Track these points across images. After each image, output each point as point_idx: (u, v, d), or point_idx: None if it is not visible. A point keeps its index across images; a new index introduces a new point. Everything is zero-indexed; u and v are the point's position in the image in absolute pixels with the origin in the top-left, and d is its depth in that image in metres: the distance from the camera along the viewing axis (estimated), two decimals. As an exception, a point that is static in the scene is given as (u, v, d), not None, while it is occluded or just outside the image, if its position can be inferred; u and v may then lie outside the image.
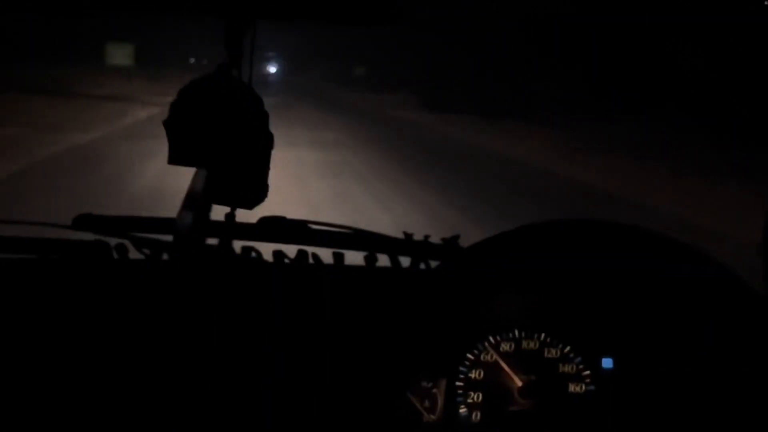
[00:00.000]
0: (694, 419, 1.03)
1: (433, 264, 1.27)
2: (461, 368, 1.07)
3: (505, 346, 1.08)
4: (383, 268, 1.24)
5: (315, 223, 1.27)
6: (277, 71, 45.68)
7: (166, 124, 1.13)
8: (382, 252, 1.28)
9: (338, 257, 1.27)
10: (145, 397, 1.06)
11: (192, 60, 35.96)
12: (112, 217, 1.26)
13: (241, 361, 1.08)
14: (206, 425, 1.06)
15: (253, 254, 1.26)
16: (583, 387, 1.06)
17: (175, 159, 1.14)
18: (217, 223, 1.23)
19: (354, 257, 1.28)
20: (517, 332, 1.08)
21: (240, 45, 1.13)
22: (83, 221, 1.24)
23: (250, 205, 1.18)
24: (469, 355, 1.07)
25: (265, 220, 1.27)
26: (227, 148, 1.14)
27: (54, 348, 1.08)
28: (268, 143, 1.15)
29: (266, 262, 1.25)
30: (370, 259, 1.28)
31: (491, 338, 1.08)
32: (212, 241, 1.25)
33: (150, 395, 1.06)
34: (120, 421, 1.05)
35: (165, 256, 1.23)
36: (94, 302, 1.11)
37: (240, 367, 1.08)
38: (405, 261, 1.29)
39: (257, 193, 1.17)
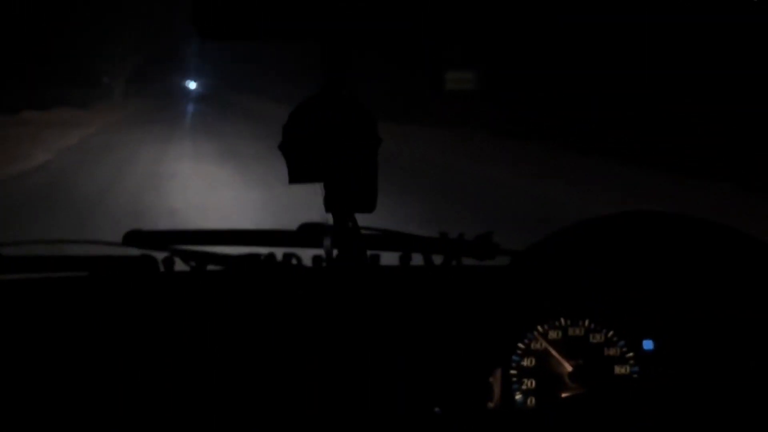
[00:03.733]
0: (736, 396, 1.11)
1: (466, 261, 1.33)
2: (514, 357, 1.13)
3: (552, 334, 1.15)
4: (439, 266, 1.29)
5: (354, 228, 1.32)
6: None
7: (282, 147, 1.17)
8: (417, 251, 1.33)
9: (374, 258, 1.32)
10: (194, 406, 1.09)
11: (106, 80, 33.41)
12: (159, 232, 1.28)
13: (291, 365, 1.12)
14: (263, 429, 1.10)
15: (294, 261, 1.29)
16: (628, 368, 1.14)
17: (295, 178, 1.18)
18: (289, 232, 1.27)
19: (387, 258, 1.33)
20: (563, 320, 1.15)
21: (344, 65, 1.17)
22: (132, 237, 1.26)
23: (369, 209, 1.22)
24: (520, 345, 1.14)
25: (305, 227, 1.31)
26: (344, 160, 1.18)
27: (105, 361, 1.10)
28: (376, 150, 1.20)
29: (308, 267, 1.29)
30: (405, 259, 1.33)
31: (539, 327, 1.14)
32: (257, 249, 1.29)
33: (200, 403, 1.09)
34: (171, 427, 1.07)
35: (210, 267, 1.25)
36: (142, 314, 1.14)
37: (291, 370, 1.12)
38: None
39: (372, 196, 1.21)
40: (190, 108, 30.06)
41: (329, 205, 1.21)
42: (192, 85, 45.83)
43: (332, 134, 1.18)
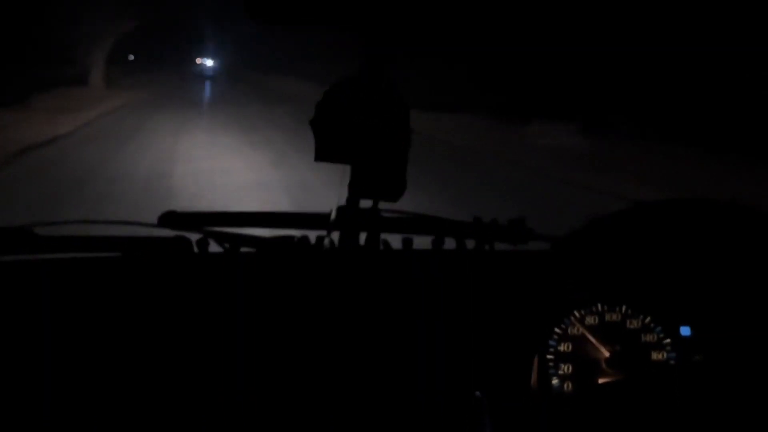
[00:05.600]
0: None
1: (498, 246, 1.33)
2: (551, 342, 1.13)
3: (589, 320, 1.14)
4: (471, 251, 1.29)
5: (386, 211, 1.31)
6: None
7: (313, 123, 1.17)
8: (449, 236, 1.33)
9: (407, 242, 1.32)
10: (228, 385, 1.09)
11: (131, 57, 33.72)
12: (194, 213, 1.28)
13: (326, 347, 1.12)
14: (297, 411, 1.10)
15: (327, 243, 1.29)
16: (665, 354, 1.13)
17: (322, 156, 1.18)
18: (323, 215, 1.27)
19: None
20: (600, 306, 1.14)
21: (380, 50, 1.17)
22: (167, 219, 1.26)
23: (394, 198, 1.22)
24: (557, 330, 1.13)
25: (340, 210, 1.30)
26: (373, 145, 1.18)
27: (139, 341, 1.10)
28: (408, 138, 1.19)
29: (341, 250, 1.29)
30: (437, 243, 1.33)
31: (576, 313, 1.14)
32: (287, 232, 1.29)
33: (233, 382, 1.09)
34: (209, 408, 1.08)
35: (243, 249, 1.25)
36: (176, 295, 1.14)
37: (326, 352, 1.12)
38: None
39: (400, 185, 1.21)
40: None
41: (354, 189, 1.21)
42: (209, 62, 45.23)
43: (365, 117, 1.17)
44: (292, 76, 27.40)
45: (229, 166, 8.41)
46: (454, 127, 12.65)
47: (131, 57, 32.79)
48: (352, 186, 1.23)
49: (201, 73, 39.15)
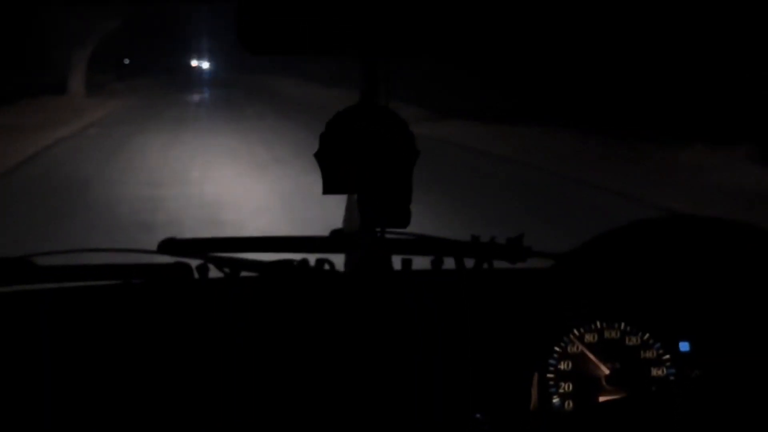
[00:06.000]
0: None
1: (497, 264, 1.33)
2: (551, 361, 1.14)
3: (589, 337, 1.15)
4: (471, 270, 1.30)
5: (387, 232, 1.32)
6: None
7: (318, 156, 1.18)
8: (448, 255, 1.33)
9: (406, 263, 1.32)
10: (229, 411, 1.10)
11: (126, 61, 32.46)
12: (194, 240, 1.29)
13: (327, 370, 1.13)
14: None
15: (326, 266, 1.30)
16: (665, 370, 1.14)
17: (330, 189, 1.19)
18: (324, 238, 1.28)
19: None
20: (599, 323, 1.15)
21: (377, 76, 1.18)
22: (167, 245, 1.27)
23: (403, 225, 1.23)
24: (557, 348, 1.14)
25: (337, 233, 1.31)
26: (378, 175, 1.19)
27: (141, 368, 1.11)
28: (413, 164, 1.20)
29: (341, 273, 1.29)
30: (437, 263, 1.33)
31: (575, 330, 1.15)
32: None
33: (235, 408, 1.10)
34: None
35: (243, 274, 1.26)
36: (177, 322, 1.15)
37: (327, 375, 1.13)
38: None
39: (406, 212, 1.22)
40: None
41: (363, 217, 1.22)
42: (205, 65, 44.99)
43: (369, 146, 1.18)
44: (294, 78, 27.07)
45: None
46: (568, 153, 9.82)
47: (126, 61, 32.62)
48: (362, 214, 1.24)
49: (198, 78, 38.74)
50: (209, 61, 45.06)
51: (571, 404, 1.12)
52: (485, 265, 1.30)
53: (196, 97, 24.49)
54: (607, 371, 1.13)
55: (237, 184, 8.06)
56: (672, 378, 1.13)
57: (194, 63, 44.91)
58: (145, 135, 12.56)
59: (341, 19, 1.14)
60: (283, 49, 1.15)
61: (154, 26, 31.17)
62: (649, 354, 1.14)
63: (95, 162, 9.67)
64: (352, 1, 1.14)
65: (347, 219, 1.29)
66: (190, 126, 14.46)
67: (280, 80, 28.15)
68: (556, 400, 1.13)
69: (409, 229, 1.25)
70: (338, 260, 1.30)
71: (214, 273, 1.26)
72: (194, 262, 1.25)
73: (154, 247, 1.29)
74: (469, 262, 1.32)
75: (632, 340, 1.15)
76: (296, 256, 1.27)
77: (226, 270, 1.26)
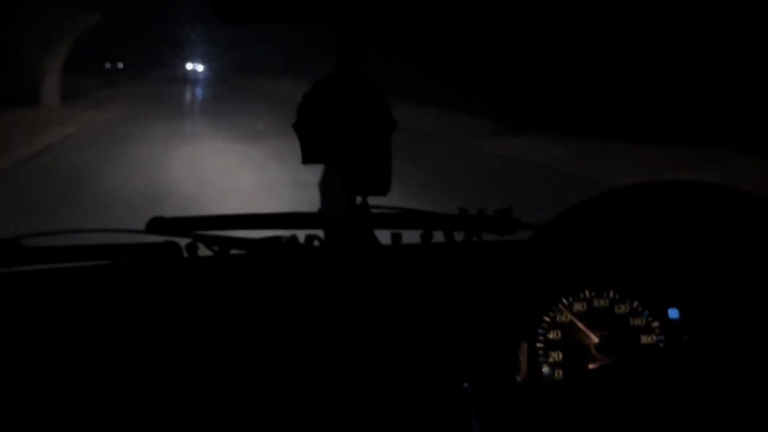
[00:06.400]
0: (762, 363, 1.12)
1: (487, 236, 1.34)
2: (539, 330, 1.14)
3: (577, 306, 1.15)
4: (460, 243, 1.30)
5: (374, 207, 1.32)
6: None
7: (296, 126, 1.18)
8: (438, 229, 1.34)
9: (396, 237, 1.33)
10: (221, 390, 1.10)
11: (120, 65, 32.13)
12: (182, 218, 1.29)
13: (317, 344, 1.13)
14: (289, 408, 1.11)
15: (316, 242, 1.30)
16: (654, 338, 1.14)
17: (308, 158, 1.20)
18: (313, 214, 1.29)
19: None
20: (587, 292, 1.15)
21: (353, 46, 1.19)
22: (155, 225, 1.27)
23: (383, 192, 1.24)
24: (545, 318, 1.14)
25: (327, 208, 1.31)
26: (357, 144, 1.19)
27: (132, 347, 1.11)
28: (390, 132, 1.21)
29: (330, 248, 1.30)
30: (426, 237, 1.34)
31: (564, 300, 1.15)
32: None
33: (226, 387, 1.10)
34: (199, 415, 1.09)
35: (232, 251, 1.26)
36: (167, 299, 1.15)
37: (317, 350, 1.13)
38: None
39: (387, 179, 1.23)
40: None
41: (344, 186, 1.23)
42: (200, 68, 45.13)
43: (346, 116, 1.19)
44: (287, 78, 26.97)
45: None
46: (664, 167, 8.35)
47: (120, 65, 32.32)
48: (342, 183, 1.25)
49: (192, 80, 38.50)
50: (203, 63, 45.10)
51: (560, 373, 1.13)
52: (474, 238, 1.30)
53: (190, 101, 23.55)
54: (596, 339, 1.13)
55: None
56: (661, 345, 1.14)
57: (189, 66, 44.92)
58: (134, 154, 10.08)
59: None
60: (255, 18, 1.16)
61: (142, 25, 30.77)
62: (638, 322, 1.15)
63: (80, 175, 8.01)
64: None
65: (326, 190, 1.30)
66: (187, 139, 11.87)
67: (275, 81, 27.83)
68: (545, 369, 1.13)
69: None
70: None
71: (203, 252, 1.27)
72: (183, 241, 1.25)
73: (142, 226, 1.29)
74: (459, 236, 1.32)
75: (621, 309, 1.15)
76: (284, 233, 1.27)
77: (215, 248, 1.26)
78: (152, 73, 35.07)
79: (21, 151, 10.31)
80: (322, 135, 1.20)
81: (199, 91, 29.98)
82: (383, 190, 1.23)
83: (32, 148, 10.73)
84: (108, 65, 29.02)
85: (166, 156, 9.87)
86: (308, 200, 1.40)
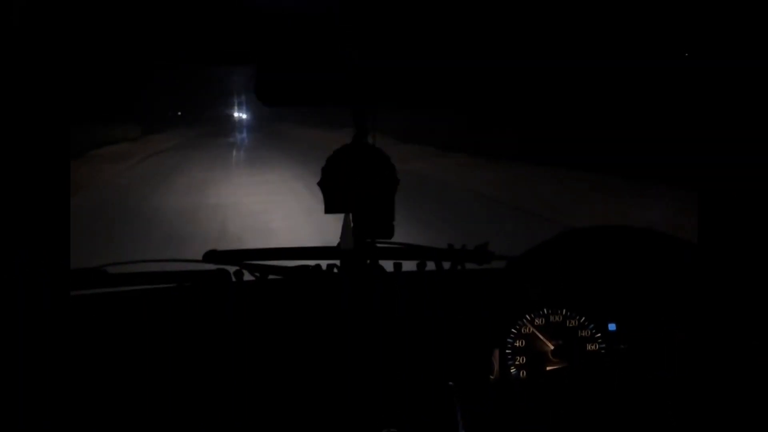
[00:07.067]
0: (689, 366, 1.42)
1: (468, 265, 1.68)
2: (508, 339, 1.46)
3: (538, 321, 1.46)
4: (447, 271, 1.64)
5: (380, 242, 1.66)
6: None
7: (320, 184, 1.54)
8: (430, 260, 1.68)
9: (397, 266, 1.67)
10: (271, 395, 1.40)
11: (179, 113, 35.36)
12: (231, 251, 1.64)
13: (335, 349, 1.44)
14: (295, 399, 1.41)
15: (335, 270, 1.64)
16: (597, 345, 1.45)
17: (330, 209, 1.58)
18: (330, 248, 1.64)
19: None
20: (545, 310, 1.47)
21: (366, 120, 1.55)
22: (210, 256, 1.62)
23: (388, 236, 1.59)
24: (513, 329, 1.46)
25: (344, 244, 1.66)
26: (367, 198, 1.55)
27: (189, 357, 1.43)
28: (394, 188, 1.57)
29: (347, 274, 1.64)
30: (421, 266, 1.68)
31: (527, 316, 1.46)
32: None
33: (275, 392, 1.40)
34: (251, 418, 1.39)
35: (270, 277, 1.60)
36: (219, 316, 1.48)
37: (336, 353, 1.45)
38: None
39: (390, 226, 1.58)
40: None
41: (357, 230, 1.58)
42: (243, 115, 47.55)
43: (360, 176, 1.54)
44: (323, 127, 27.46)
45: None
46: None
47: (179, 113, 34.59)
48: (356, 228, 1.59)
49: (236, 130, 38.29)
50: (245, 112, 47.70)
51: (524, 373, 1.44)
52: (459, 267, 1.64)
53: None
54: (552, 347, 1.44)
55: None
56: (603, 351, 1.45)
57: (236, 114, 47.82)
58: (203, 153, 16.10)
59: (336, 77, 1.49)
60: (291, 101, 1.51)
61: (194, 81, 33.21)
62: (584, 333, 1.45)
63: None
64: (343, 63, 1.50)
65: (344, 232, 1.64)
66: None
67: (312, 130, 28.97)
68: (513, 370, 1.44)
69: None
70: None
71: (247, 277, 1.61)
72: (231, 269, 1.60)
73: (200, 257, 1.64)
74: (446, 265, 1.66)
75: (572, 322, 1.46)
76: (312, 262, 1.62)
77: (257, 274, 1.60)
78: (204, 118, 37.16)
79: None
80: (341, 190, 1.56)
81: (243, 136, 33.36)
82: (388, 234, 1.59)
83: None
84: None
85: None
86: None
